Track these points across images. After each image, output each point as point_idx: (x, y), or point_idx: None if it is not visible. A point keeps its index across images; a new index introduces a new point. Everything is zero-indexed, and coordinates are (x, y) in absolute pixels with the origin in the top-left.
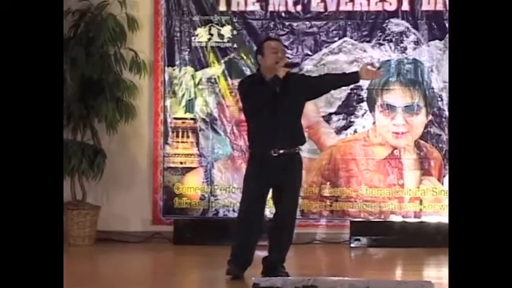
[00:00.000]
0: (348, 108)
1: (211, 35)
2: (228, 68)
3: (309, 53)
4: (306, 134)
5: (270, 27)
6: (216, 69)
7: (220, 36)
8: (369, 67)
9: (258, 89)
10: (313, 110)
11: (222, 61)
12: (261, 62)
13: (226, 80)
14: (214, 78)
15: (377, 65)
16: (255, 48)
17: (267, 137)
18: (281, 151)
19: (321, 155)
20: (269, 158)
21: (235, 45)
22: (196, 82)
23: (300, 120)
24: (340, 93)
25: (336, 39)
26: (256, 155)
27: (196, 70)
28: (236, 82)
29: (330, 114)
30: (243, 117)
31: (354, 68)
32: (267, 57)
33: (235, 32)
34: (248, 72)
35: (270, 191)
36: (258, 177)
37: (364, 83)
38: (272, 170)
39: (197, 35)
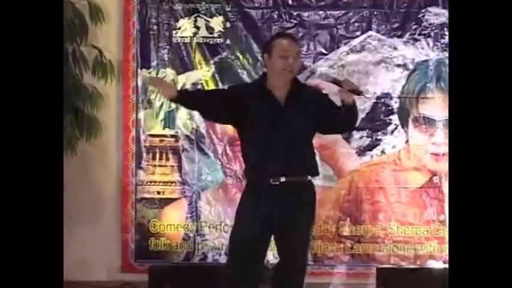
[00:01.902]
0: (373, 123)
1: (198, 28)
2: (219, 70)
3: (323, 51)
4: (318, 156)
5: (273, 18)
6: (203, 72)
7: (210, 29)
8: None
9: (259, 99)
10: None
11: (212, 62)
12: (267, 63)
13: (217, 85)
14: (202, 84)
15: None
16: (254, 45)
17: (265, 159)
18: (283, 179)
19: (339, 183)
20: (268, 187)
21: (228, 42)
22: (179, 89)
23: (312, 145)
24: (364, 103)
25: (358, 33)
26: (252, 183)
27: (178, 73)
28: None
29: None
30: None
31: (382, 70)
32: (275, 61)
33: (228, 25)
34: (245, 77)
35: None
36: (253, 211)
37: (394, 90)
38: (272, 203)
39: (179, 29)
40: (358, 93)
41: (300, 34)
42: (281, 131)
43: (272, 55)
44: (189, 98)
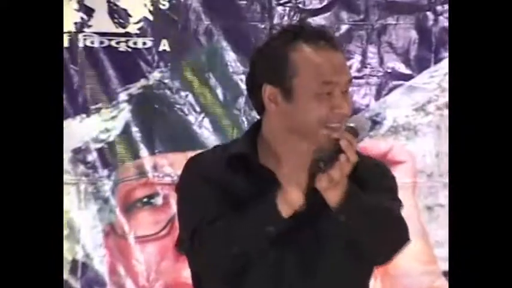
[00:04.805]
0: None
1: (89, 13)
2: (139, 116)
3: (403, 70)
4: None
5: None
6: (102, 121)
7: (118, 16)
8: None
9: (241, 186)
10: (420, 251)
11: (124, 96)
12: (273, 107)
13: (134, 155)
14: (102, 151)
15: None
16: (229, 53)
17: None
18: None
19: None
20: None
21: (165, 46)
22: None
23: None
24: None
25: None
26: None
27: None
28: (167, 164)
29: None
30: (187, 275)
31: None
32: (304, 106)
33: (166, 5)
34: (210, 136)
35: None
36: None
37: None
38: None
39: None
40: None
41: (342, 31)
42: (297, 264)
43: (295, 91)
44: None
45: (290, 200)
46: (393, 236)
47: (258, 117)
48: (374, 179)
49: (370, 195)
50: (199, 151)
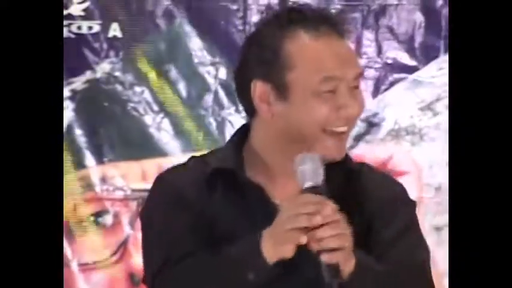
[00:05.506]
0: None
1: None
2: (82, 116)
3: (403, 61)
4: None
5: None
6: None
7: None
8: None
9: (223, 210)
10: None
11: (65, 90)
12: (263, 107)
13: (77, 165)
14: None
15: None
16: (194, 39)
17: None
18: None
19: None
20: None
21: (115, 31)
22: None
23: None
24: None
25: None
26: None
27: None
28: (118, 175)
29: None
30: None
31: None
32: (301, 99)
33: None
34: (167, 136)
35: None
36: None
37: None
38: None
39: None
40: None
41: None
42: None
43: (290, 88)
44: None
45: (280, 244)
46: None
47: (229, 118)
48: (386, 210)
49: (382, 233)
50: (157, 159)
